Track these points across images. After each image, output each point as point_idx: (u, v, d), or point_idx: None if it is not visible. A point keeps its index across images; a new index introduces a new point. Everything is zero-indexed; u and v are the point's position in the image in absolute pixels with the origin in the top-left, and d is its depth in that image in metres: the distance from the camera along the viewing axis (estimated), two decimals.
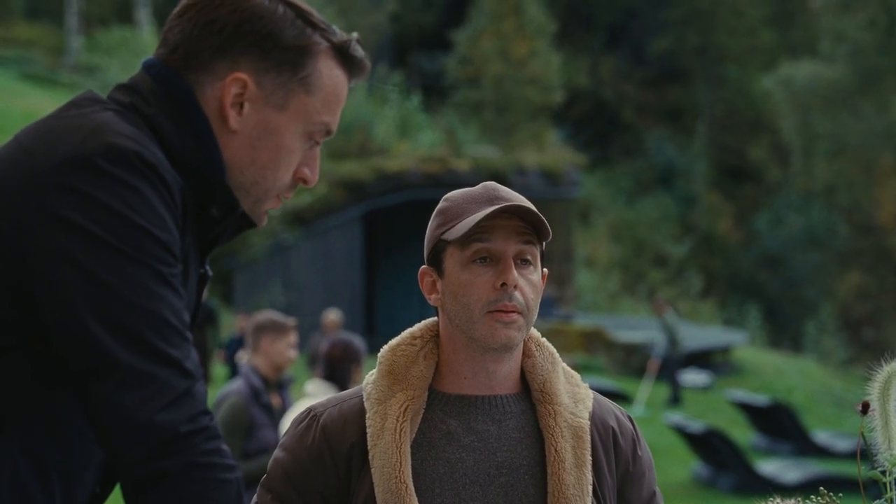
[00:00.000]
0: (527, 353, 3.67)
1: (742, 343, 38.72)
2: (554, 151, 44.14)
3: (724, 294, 51.91)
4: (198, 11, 2.85)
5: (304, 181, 2.94)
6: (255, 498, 3.71)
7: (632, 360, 34.81)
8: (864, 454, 3.12)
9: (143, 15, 46.45)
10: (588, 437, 3.58)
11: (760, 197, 51.45)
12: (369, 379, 3.67)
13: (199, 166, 2.82)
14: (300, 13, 2.86)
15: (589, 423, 3.61)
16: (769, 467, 20.64)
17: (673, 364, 28.87)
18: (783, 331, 42.29)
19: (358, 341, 9.46)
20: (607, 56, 61.51)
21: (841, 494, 3.11)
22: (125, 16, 47.78)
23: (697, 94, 60.25)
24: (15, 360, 2.69)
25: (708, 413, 27.08)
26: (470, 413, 3.61)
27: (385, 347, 3.68)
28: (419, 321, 3.83)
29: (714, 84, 53.94)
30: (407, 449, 3.48)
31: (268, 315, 10.45)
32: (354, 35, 2.95)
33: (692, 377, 30.68)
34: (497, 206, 3.41)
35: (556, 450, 3.56)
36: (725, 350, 36.95)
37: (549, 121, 48.24)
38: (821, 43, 41.61)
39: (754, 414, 24.28)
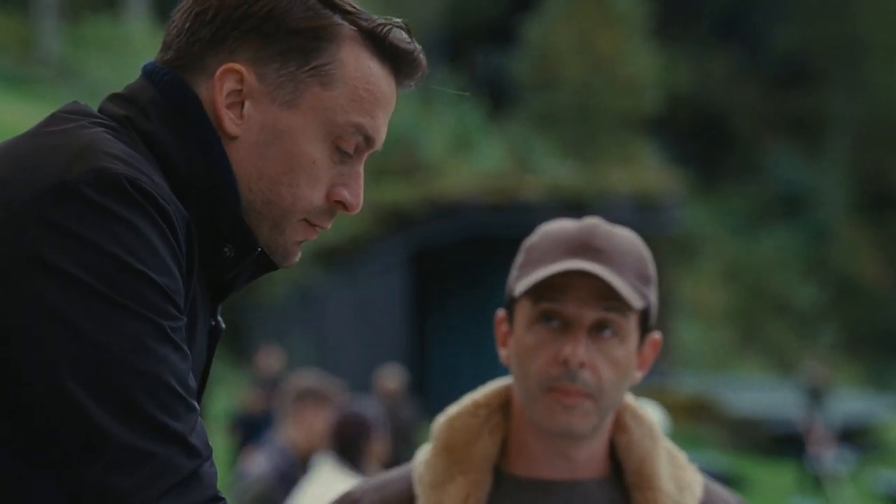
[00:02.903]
0: (621, 427, 3.65)
1: (889, 414, 38.66)
2: (649, 172, 44.45)
3: (866, 352, 52.03)
4: (193, 1, 2.89)
5: (345, 206, 2.93)
6: None
7: (749, 433, 34.78)
8: None
9: (137, 3, 46.90)
10: None
11: None
12: (421, 457, 3.66)
13: (207, 193, 2.86)
14: None
15: None
16: None
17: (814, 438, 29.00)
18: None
19: (371, 412, 9.94)
20: (718, 53, 61.62)
21: None
22: (114, 3, 48.11)
23: (833, 101, 60.37)
24: None
25: (845, 501, 27.05)
26: (545, 497, 3.63)
27: (441, 418, 3.66)
28: (477, 384, 3.86)
29: (854, 87, 54.04)
30: None
31: (312, 380, 11.00)
32: (397, 20, 2.91)
33: (830, 456, 30.61)
34: (568, 266, 3.43)
35: None
36: (867, 422, 36.85)
37: (644, 134, 48.35)
38: None
39: None
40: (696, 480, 3.74)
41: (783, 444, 31.94)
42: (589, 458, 3.66)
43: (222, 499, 2.73)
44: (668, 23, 55.60)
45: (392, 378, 21.12)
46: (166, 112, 2.87)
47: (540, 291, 3.48)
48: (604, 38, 49.06)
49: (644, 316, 3.58)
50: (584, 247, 3.55)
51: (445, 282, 40.31)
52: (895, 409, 40.11)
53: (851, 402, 38.25)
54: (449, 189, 38.08)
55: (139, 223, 2.69)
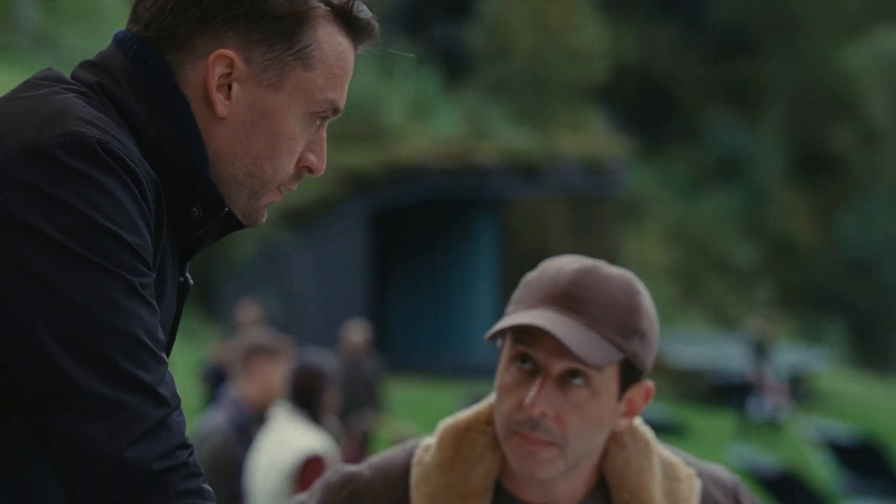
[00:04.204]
0: (618, 443, 3.56)
1: (822, 365, 38.85)
2: (597, 138, 44.71)
3: (800, 307, 52.22)
4: None
5: (311, 170, 2.95)
6: None
7: (691, 384, 34.94)
8: None
9: None
10: None
11: (844, 193, 51.89)
12: (423, 457, 3.56)
13: (177, 157, 2.84)
14: None
15: None
16: None
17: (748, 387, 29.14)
18: (870, 350, 42.71)
19: (329, 364, 9.90)
20: (661, 25, 61.78)
21: None
22: None
23: (770, 70, 60.61)
24: None
25: (782, 447, 27.12)
26: None
27: (450, 426, 3.56)
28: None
29: (790, 57, 54.46)
30: None
31: (259, 336, 11.02)
32: None
33: (763, 404, 30.79)
34: (532, 319, 3.34)
35: None
36: (802, 373, 37.05)
37: (592, 101, 48.53)
38: None
39: (837, 450, 24.38)
40: (693, 492, 3.61)
41: (723, 393, 32.03)
42: (570, 489, 3.56)
43: (190, 446, 2.70)
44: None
45: (357, 332, 21.19)
46: (137, 79, 2.86)
47: (516, 333, 3.42)
48: (554, 10, 49.41)
49: (626, 366, 3.45)
50: (566, 296, 3.44)
51: (404, 242, 40.57)
52: (826, 360, 40.24)
53: (786, 354, 38.47)
54: (407, 154, 38.20)
55: (109, 184, 2.67)
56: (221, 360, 20.36)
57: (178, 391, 2.70)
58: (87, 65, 2.87)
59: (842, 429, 27.87)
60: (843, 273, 55.05)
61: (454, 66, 49.31)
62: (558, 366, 3.35)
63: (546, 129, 44.01)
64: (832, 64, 51.50)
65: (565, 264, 3.48)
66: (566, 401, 3.35)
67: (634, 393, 3.46)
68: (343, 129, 35.09)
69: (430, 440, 3.53)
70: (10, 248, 2.62)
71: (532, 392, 3.34)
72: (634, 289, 3.49)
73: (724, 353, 37.20)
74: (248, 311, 21.97)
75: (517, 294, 3.47)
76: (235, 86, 2.86)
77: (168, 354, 2.80)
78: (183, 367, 21.40)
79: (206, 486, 2.70)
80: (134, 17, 2.90)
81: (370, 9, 2.97)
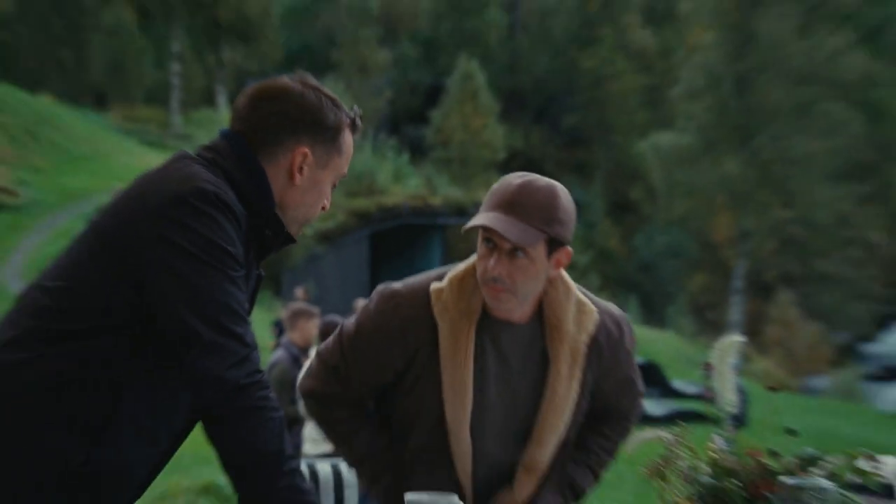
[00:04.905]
0: (552, 286, 3.18)
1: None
2: None
3: (614, 290, 52.31)
4: (271, 103, 2.73)
5: (324, 209, 2.83)
6: (314, 361, 3.39)
7: None
8: (707, 397, 2.96)
9: (222, 100, 46.74)
10: (582, 357, 3.23)
11: (638, 224, 51.73)
12: (439, 288, 3.16)
13: (257, 202, 2.68)
14: (332, 100, 2.79)
15: (585, 345, 3.22)
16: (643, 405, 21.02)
17: None
18: (653, 314, 42.14)
19: (341, 319, 8.83)
20: (535, 127, 61.72)
21: (691, 426, 2.98)
22: (209, 100, 47.64)
23: (596, 154, 60.65)
24: (129, 337, 2.57)
25: None
26: (500, 334, 3.18)
27: (456, 273, 3.19)
28: None
29: (607, 147, 53.99)
30: (471, 356, 3.14)
31: (300, 305, 9.99)
32: (358, 111, 2.86)
33: None
34: (484, 220, 3.03)
35: (556, 368, 3.18)
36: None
37: (496, 171, 48.22)
38: (677, 120, 41.98)
39: None
40: (592, 320, 3.24)
41: None
42: (522, 313, 3.12)
43: (262, 371, 2.57)
44: (509, 111, 55.46)
45: (360, 304, 20.59)
46: (234, 157, 2.68)
47: (482, 228, 3.07)
48: (474, 119, 49.56)
49: (551, 240, 3.05)
50: (507, 202, 3.04)
51: (389, 251, 39.62)
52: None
53: None
54: (391, 200, 37.43)
55: (220, 218, 2.54)
56: (283, 319, 19.21)
57: (256, 338, 2.58)
58: (204, 148, 2.74)
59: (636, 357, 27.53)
60: (637, 270, 55.17)
61: (417, 151, 48.75)
62: (506, 245, 3.01)
63: (470, 187, 43.56)
64: (630, 151, 51.26)
65: (512, 180, 3.10)
66: (513, 266, 3.03)
67: (559, 255, 3.09)
68: (353, 188, 34.57)
69: (441, 283, 3.16)
70: (164, 256, 2.51)
71: (492, 262, 3.04)
72: (554, 192, 3.09)
73: None
74: (298, 292, 21.47)
75: (484, 200, 3.11)
76: (305, 168, 2.73)
77: (249, 316, 2.66)
78: (260, 324, 20.94)
79: (272, 395, 2.57)
80: (238, 118, 2.75)
81: (361, 118, 2.84)
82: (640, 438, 2.98)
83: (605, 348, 3.25)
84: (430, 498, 2.70)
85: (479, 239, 3.12)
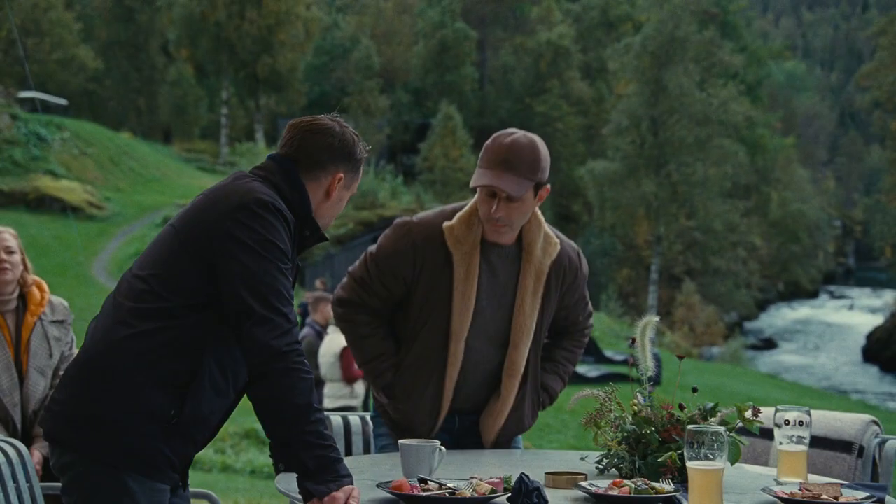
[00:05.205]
0: (530, 220, 3.17)
1: None
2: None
3: None
4: (318, 136, 2.68)
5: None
6: (346, 277, 3.33)
7: None
8: (631, 363, 2.89)
9: (259, 135, 46.59)
10: (545, 278, 3.20)
11: (578, 230, 51.64)
12: (450, 223, 3.14)
13: (300, 210, 2.63)
14: (358, 137, 2.75)
15: (548, 268, 3.20)
16: (582, 369, 20.15)
17: None
18: (590, 300, 42.01)
19: (329, 295, 8.93)
20: None
21: (618, 385, 2.89)
22: (250, 136, 47.49)
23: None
24: (206, 314, 2.53)
25: None
26: (492, 253, 3.17)
27: (463, 213, 3.15)
28: None
29: (555, 172, 53.67)
30: (476, 277, 3.11)
31: (321, 293, 10.28)
32: (368, 148, 2.79)
33: None
34: (485, 180, 3.02)
35: (523, 285, 3.17)
36: None
37: (469, 191, 47.50)
38: (608, 151, 42.11)
39: None
40: (556, 249, 3.22)
41: None
42: (510, 238, 3.11)
43: (299, 343, 2.51)
44: (479, 144, 54.83)
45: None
46: (282, 175, 2.61)
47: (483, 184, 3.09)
48: (453, 150, 48.62)
49: (536, 184, 3.06)
50: (503, 160, 3.01)
51: None
52: None
53: None
54: (388, 213, 37.01)
55: (274, 221, 2.50)
56: (307, 303, 19.04)
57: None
58: (257, 168, 2.67)
59: None
60: None
61: (409, 175, 48.17)
62: (504, 195, 3.00)
63: (448, 201, 41.91)
64: (572, 175, 50.80)
65: (502, 139, 3.05)
66: (510, 208, 3.02)
67: (541, 192, 3.09)
68: (359, 203, 33.99)
69: (452, 222, 3.14)
70: (230, 248, 2.48)
71: (495, 207, 3.03)
72: (535, 145, 3.06)
73: None
74: (318, 283, 21.55)
75: (481, 157, 3.09)
76: (337, 186, 2.68)
77: (292, 298, 2.60)
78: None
79: (305, 361, 2.50)
80: (285, 146, 2.69)
81: (368, 151, 2.76)
82: (580, 395, 2.92)
83: (567, 271, 3.26)
84: (419, 443, 2.69)
85: (481, 191, 3.09)
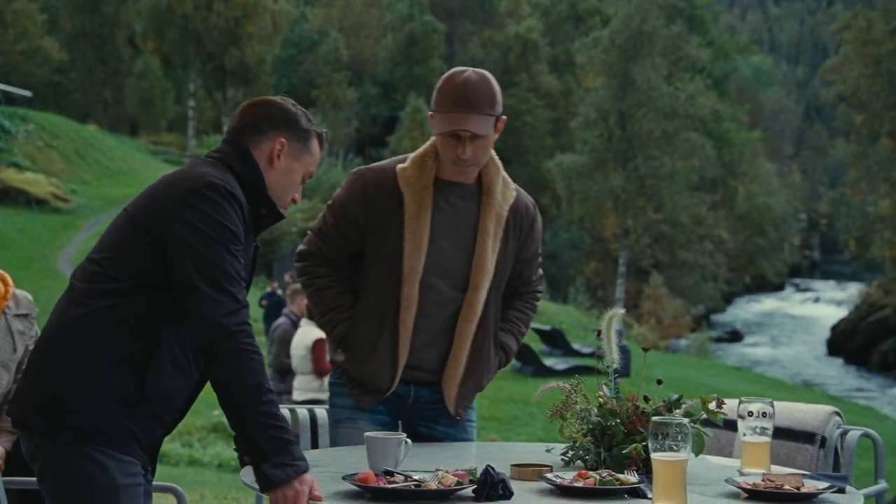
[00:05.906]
0: (488, 163, 3.20)
1: None
2: None
3: None
4: (258, 107, 2.74)
5: (294, 201, 2.76)
6: (308, 235, 3.34)
7: None
8: (598, 356, 2.91)
9: (226, 128, 45.82)
10: (504, 221, 3.23)
11: (547, 223, 51.18)
12: (402, 166, 3.17)
13: (254, 189, 2.66)
14: (305, 113, 2.78)
15: (507, 212, 3.23)
16: (550, 362, 20.71)
17: None
18: (558, 293, 42.40)
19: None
20: None
21: (585, 378, 2.91)
22: (217, 129, 47.43)
23: (514, 170, 60.11)
24: (160, 294, 2.56)
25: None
26: (451, 192, 3.21)
27: (416, 155, 3.20)
28: None
29: (523, 165, 53.84)
30: (428, 216, 3.15)
31: (298, 286, 9.09)
32: (325, 130, 2.83)
33: None
34: (451, 126, 3.04)
35: (484, 225, 3.20)
36: None
37: None
38: (576, 145, 42.25)
39: (542, 334, 23.73)
40: (513, 195, 3.26)
41: None
42: (473, 178, 3.16)
43: (249, 324, 2.54)
44: None
45: None
46: (235, 155, 2.65)
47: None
48: (421, 143, 46.34)
49: (496, 118, 3.10)
50: (462, 99, 3.05)
51: None
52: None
53: None
54: None
55: (224, 204, 2.53)
56: (273, 290, 18.47)
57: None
58: (212, 151, 2.71)
59: (544, 325, 27.36)
60: (545, 259, 54.88)
61: None
62: (468, 135, 3.03)
63: None
64: (541, 168, 50.96)
65: (455, 78, 3.11)
66: (475, 146, 3.05)
67: (499, 124, 3.11)
68: (326, 196, 33.03)
69: (405, 164, 3.18)
70: (181, 230, 2.51)
71: (461, 148, 3.05)
72: (489, 80, 3.13)
73: None
74: (288, 277, 20.89)
75: (437, 101, 3.11)
76: (282, 155, 2.69)
77: (249, 282, 2.64)
78: (253, 297, 19.51)
79: (255, 342, 2.53)
80: (233, 125, 2.72)
81: (327, 136, 2.83)
82: (546, 388, 2.91)
83: (524, 219, 3.29)
84: (384, 435, 2.69)
85: (447, 134, 3.08)
